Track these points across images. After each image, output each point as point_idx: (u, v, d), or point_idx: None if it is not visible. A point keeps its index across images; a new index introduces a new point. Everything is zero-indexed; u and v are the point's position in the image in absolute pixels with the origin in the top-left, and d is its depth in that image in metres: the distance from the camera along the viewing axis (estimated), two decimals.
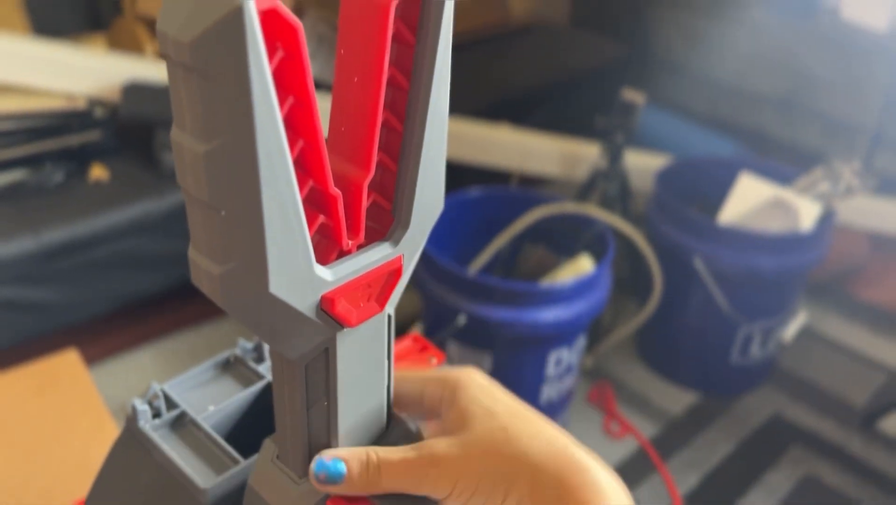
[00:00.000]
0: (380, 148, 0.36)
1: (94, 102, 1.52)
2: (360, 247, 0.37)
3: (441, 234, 1.47)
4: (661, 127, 2.18)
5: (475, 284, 1.28)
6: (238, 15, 0.27)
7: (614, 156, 1.65)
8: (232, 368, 0.58)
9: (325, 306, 0.35)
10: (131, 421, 0.52)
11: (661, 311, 1.58)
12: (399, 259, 0.38)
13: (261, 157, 0.29)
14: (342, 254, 0.36)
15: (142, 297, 1.52)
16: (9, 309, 1.34)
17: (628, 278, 1.76)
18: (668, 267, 1.52)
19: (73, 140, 1.48)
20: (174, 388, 0.55)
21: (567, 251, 1.50)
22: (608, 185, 1.66)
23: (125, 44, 1.72)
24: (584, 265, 1.37)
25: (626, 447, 1.52)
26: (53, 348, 1.33)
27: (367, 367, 0.40)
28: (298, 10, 1.71)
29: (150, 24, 1.74)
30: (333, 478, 0.38)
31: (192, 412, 0.53)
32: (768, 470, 1.49)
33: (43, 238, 1.32)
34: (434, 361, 0.89)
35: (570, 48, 2.31)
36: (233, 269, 0.31)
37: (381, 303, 0.38)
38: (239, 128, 0.29)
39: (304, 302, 0.34)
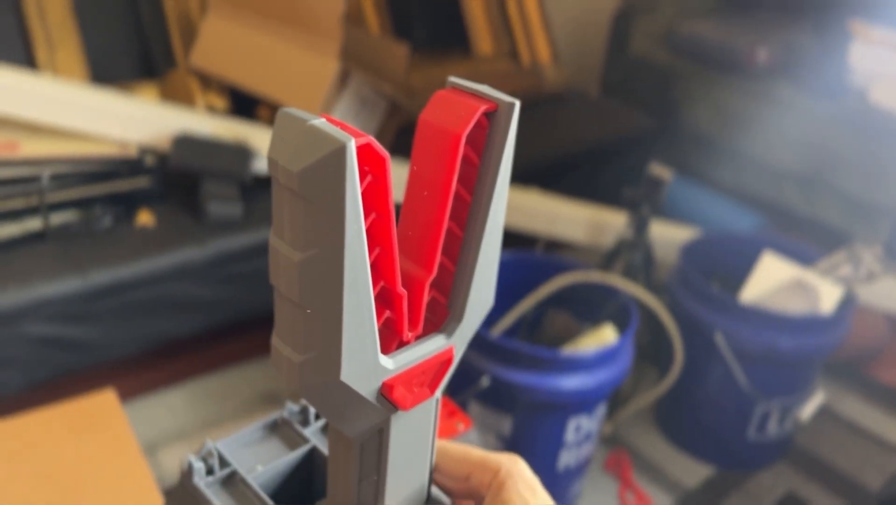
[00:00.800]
0: (441, 252, 0.41)
1: (144, 150, 1.60)
2: (417, 338, 0.41)
3: None
4: (687, 198, 2.23)
5: (499, 347, 1.31)
6: (342, 152, 0.32)
7: (640, 227, 1.69)
8: (279, 429, 0.63)
9: (385, 392, 0.39)
10: (186, 477, 0.56)
11: (681, 382, 1.60)
12: (451, 350, 0.42)
13: (346, 266, 0.34)
14: (401, 344, 0.40)
15: (177, 338, 1.57)
16: (49, 345, 1.39)
17: (649, 347, 1.79)
18: (688, 339, 1.55)
19: (123, 186, 1.55)
20: (226, 446, 0.60)
21: (590, 318, 1.54)
22: (633, 254, 1.70)
23: (177, 95, 1.80)
24: (607, 335, 1.40)
25: None
26: (87, 383, 1.37)
27: (414, 446, 0.44)
28: (345, 75, 1.78)
29: (202, 78, 1.83)
30: None
31: (242, 471, 0.57)
32: None
33: (89, 279, 1.38)
34: (461, 426, 0.93)
35: (601, 118, 2.38)
36: (311, 358, 0.36)
37: (433, 388, 0.42)
38: (331, 241, 0.34)
39: (367, 388, 0.38)
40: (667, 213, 1.95)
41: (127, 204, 1.56)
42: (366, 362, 0.37)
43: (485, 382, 1.32)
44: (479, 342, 1.33)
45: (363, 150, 0.33)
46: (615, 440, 1.71)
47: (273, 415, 0.64)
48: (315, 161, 0.32)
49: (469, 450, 0.46)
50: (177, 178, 1.62)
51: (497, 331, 1.55)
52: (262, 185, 1.65)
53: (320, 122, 0.33)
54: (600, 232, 1.90)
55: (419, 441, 0.44)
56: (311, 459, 0.61)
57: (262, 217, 1.61)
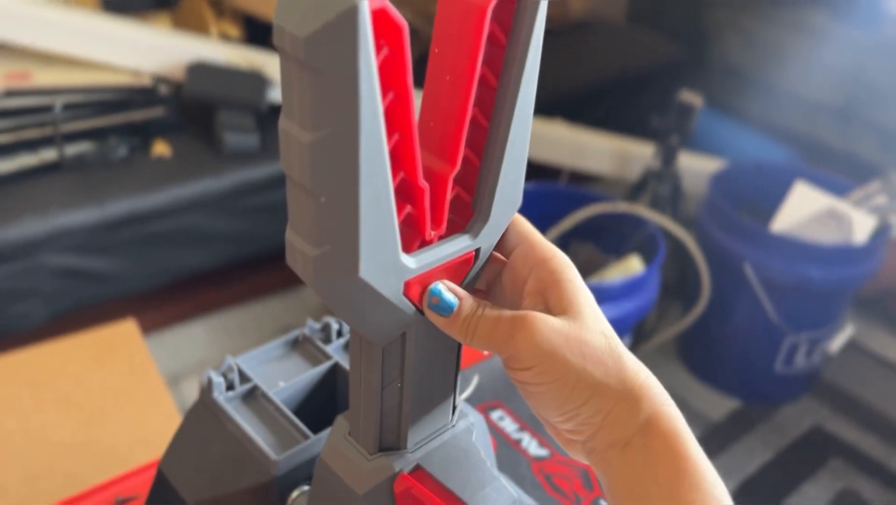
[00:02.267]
0: (465, 143, 0.37)
1: (158, 80, 1.56)
2: (441, 238, 0.38)
3: None
4: (715, 131, 2.16)
5: None
6: (352, 14, 0.28)
7: (668, 157, 1.65)
8: (300, 346, 0.61)
9: (406, 292, 0.37)
10: (206, 392, 0.55)
11: (707, 316, 1.57)
12: (473, 251, 0.39)
13: (362, 149, 0.31)
14: (424, 243, 0.38)
15: (197, 271, 1.56)
16: (70, 277, 1.39)
17: (674, 282, 1.76)
18: (716, 272, 1.51)
19: (138, 116, 1.52)
20: (246, 362, 0.58)
21: (615, 251, 1.50)
22: (660, 186, 1.65)
23: (191, 23, 1.75)
24: (633, 265, 1.37)
25: None
26: (109, 317, 1.37)
27: (438, 353, 0.42)
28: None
29: (216, 5, 1.78)
30: (443, 307, 0.38)
31: (263, 386, 0.55)
32: (806, 481, 1.48)
33: (107, 209, 1.36)
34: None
35: (627, 46, 2.30)
36: (327, 252, 0.33)
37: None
38: (345, 121, 0.30)
39: (388, 287, 0.35)
40: (695, 148, 1.89)
41: (142, 134, 1.53)
42: (386, 259, 0.34)
43: None
44: None
45: (378, 17, 0.30)
46: None
47: (294, 332, 0.62)
48: (323, 24, 0.28)
49: (528, 225, 0.42)
50: (192, 107, 1.58)
51: None
52: (277, 114, 1.62)
53: None
54: (626, 163, 1.85)
55: (443, 346, 0.42)
56: (334, 376, 0.59)
57: (279, 148, 1.58)
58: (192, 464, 0.53)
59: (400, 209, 0.35)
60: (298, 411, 0.56)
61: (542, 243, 0.40)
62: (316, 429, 0.52)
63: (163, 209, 1.42)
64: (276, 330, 1.68)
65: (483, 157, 0.38)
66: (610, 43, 2.30)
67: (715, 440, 1.56)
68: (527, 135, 0.38)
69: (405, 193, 0.36)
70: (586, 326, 0.37)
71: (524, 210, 1.54)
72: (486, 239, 0.40)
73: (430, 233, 0.37)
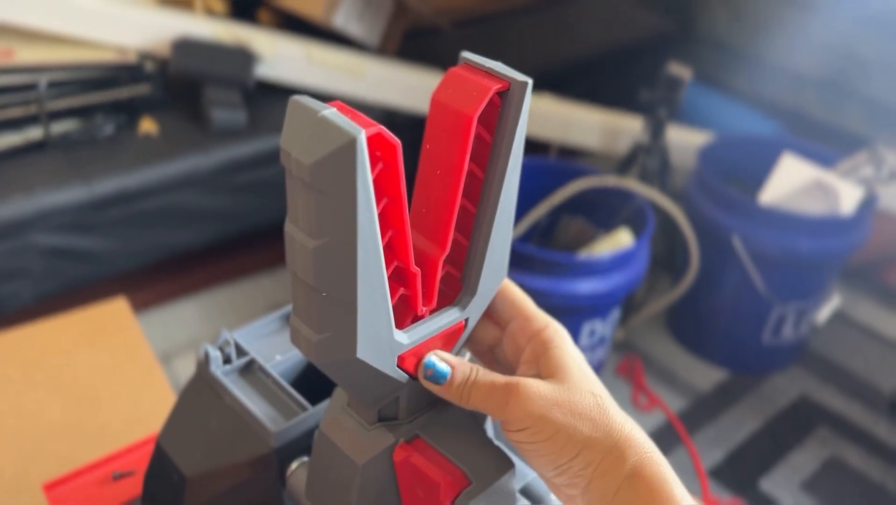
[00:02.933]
0: (455, 228, 0.41)
1: (144, 56, 1.54)
2: (432, 311, 0.42)
3: None
4: (703, 105, 2.16)
5: (513, 253, 1.29)
6: (352, 146, 0.32)
7: (656, 130, 1.65)
8: None
9: (401, 364, 0.41)
10: (203, 366, 0.55)
11: (695, 288, 1.59)
12: (462, 323, 0.43)
13: (360, 252, 0.35)
14: (416, 318, 0.42)
15: (186, 249, 1.55)
16: (58, 256, 1.38)
17: (663, 255, 1.77)
18: (704, 244, 1.52)
19: (123, 93, 1.51)
20: (243, 336, 0.58)
21: (605, 225, 1.51)
22: (648, 159, 1.65)
23: None
24: (622, 239, 1.37)
25: (653, 420, 1.54)
26: (98, 297, 1.36)
27: None
28: None
29: None
30: (437, 377, 0.42)
31: (260, 360, 0.55)
32: (794, 450, 1.51)
33: (94, 188, 1.35)
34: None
35: (614, 19, 2.29)
36: (327, 337, 0.37)
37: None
38: (344, 230, 0.34)
39: (383, 363, 0.39)
40: (682, 121, 1.89)
41: (128, 112, 1.52)
42: (380, 339, 0.38)
43: None
44: None
45: (374, 140, 0.34)
46: (627, 346, 1.71)
47: (289, 306, 0.62)
48: (326, 154, 0.32)
49: (523, 297, 0.46)
50: (178, 84, 1.57)
51: None
52: (264, 91, 1.60)
53: (331, 112, 0.33)
54: (615, 137, 1.85)
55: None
56: None
57: (267, 125, 1.56)
58: (191, 438, 0.54)
59: (394, 291, 0.39)
60: (295, 384, 0.56)
61: (536, 316, 0.45)
62: (314, 401, 0.53)
63: (150, 187, 1.41)
64: (267, 307, 1.68)
65: (471, 239, 0.42)
66: (598, 16, 2.29)
67: (703, 410, 1.58)
68: (511, 216, 0.42)
69: (399, 277, 0.40)
70: (574, 387, 0.41)
71: None
72: (475, 309, 0.43)
73: (422, 309, 0.41)
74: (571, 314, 1.34)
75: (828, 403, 1.62)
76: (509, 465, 0.43)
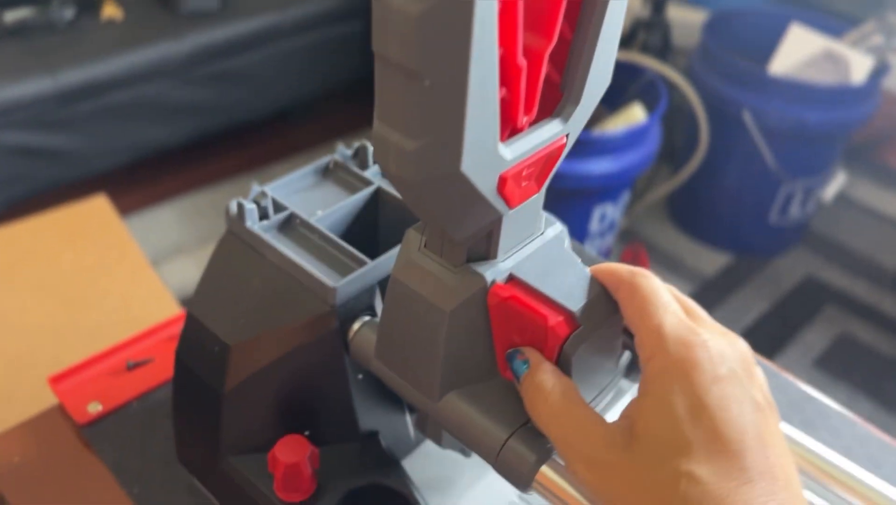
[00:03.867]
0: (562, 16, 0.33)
1: None
2: (530, 124, 0.34)
3: None
4: None
5: None
6: None
7: (658, 5, 1.55)
8: (333, 173, 0.53)
9: (501, 187, 0.33)
10: (236, 222, 0.47)
11: (698, 171, 1.53)
12: (563, 137, 0.35)
13: (476, 19, 0.27)
14: (514, 131, 0.33)
15: (162, 149, 1.44)
16: (26, 156, 1.26)
17: (663, 143, 1.70)
18: (711, 123, 1.45)
19: None
20: (276, 191, 0.50)
21: (611, 103, 1.43)
22: (650, 35, 1.56)
23: None
24: (636, 114, 1.30)
25: None
26: (73, 201, 1.26)
27: None
28: None
29: None
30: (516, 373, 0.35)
31: (302, 214, 0.48)
32: (803, 329, 1.49)
33: (59, 79, 1.23)
34: None
35: None
36: (427, 144, 0.29)
37: (540, 183, 0.36)
38: None
39: (484, 182, 0.32)
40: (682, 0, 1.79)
41: None
42: (486, 150, 0.31)
43: None
44: None
45: None
46: (631, 235, 1.66)
47: (323, 159, 0.54)
48: None
49: (642, 304, 0.34)
50: None
51: None
52: None
53: None
54: None
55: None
56: (376, 202, 0.52)
57: (242, 7, 1.43)
58: (230, 304, 0.46)
59: None
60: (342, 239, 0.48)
61: (647, 339, 0.32)
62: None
63: (119, 78, 1.29)
64: None
65: (576, 31, 0.34)
66: None
67: (711, 294, 1.55)
68: (624, 5, 0.34)
69: (501, 73, 0.31)
70: (642, 459, 0.30)
71: None
72: (576, 124, 0.35)
73: (523, 119, 0.33)
74: (583, 197, 1.28)
75: (834, 282, 1.59)
76: (616, 307, 0.37)
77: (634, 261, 1.59)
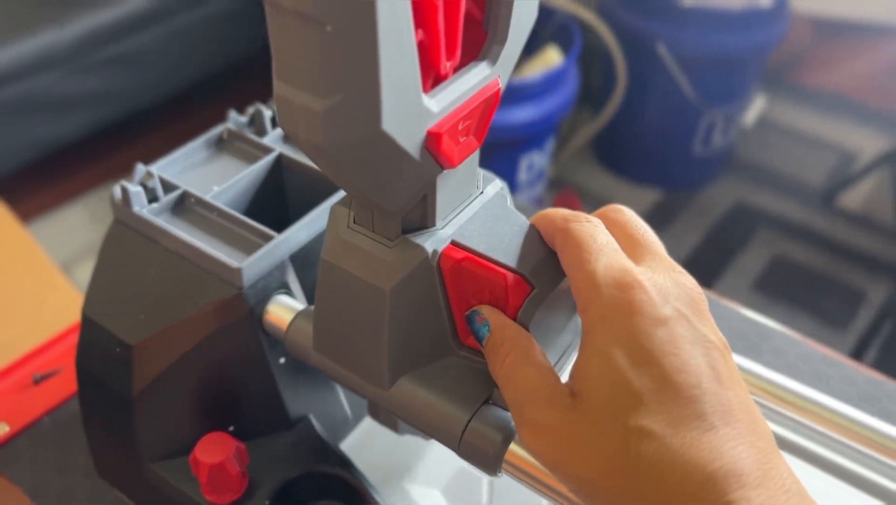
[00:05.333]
0: None
1: None
2: (455, 69, 0.30)
3: None
4: None
5: None
6: None
7: None
8: (228, 144, 0.48)
9: (430, 144, 0.29)
10: (122, 208, 0.42)
11: (620, 110, 1.52)
12: (497, 81, 0.31)
13: None
14: (438, 79, 0.29)
15: (61, 146, 1.36)
16: None
17: (581, 84, 1.68)
18: (627, 60, 1.44)
19: None
20: (164, 169, 0.45)
21: (525, 49, 1.40)
22: None
23: None
24: (551, 57, 1.27)
25: None
26: None
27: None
28: None
29: None
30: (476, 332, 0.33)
31: (196, 191, 0.43)
32: (738, 254, 1.50)
33: None
34: None
35: None
36: (339, 102, 0.25)
37: (479, 136, 0.32)
38: None
39: (411, 139, 0.28)
40: None
41: None
42: (408, 103, 0.27)
43: None
44: None
45: None
46: (560, 182, 1.64)
47: (215, 129, 0.49)
48: None
49: (575, 252, 0.31)
50: None
51: None
52: None
53: None
54: None
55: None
56: (280, 170, 0.47)
57: None
58: (127, 299, 0.42)
59: None
60: (245, 214, 0.44)
61: (580, 288, 0.29)
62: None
63: (2, 74, 1.20)
64: None
65: None
66: None
67: None
68: None
69: (415, 12, 0.27)
70: (589, 416, 0.28)
71: None
72: (506, 65, 0.32)
73: (445, 64, 0.29)
74: (509, 148, 1.25)
75: (763, 205, 1.62)
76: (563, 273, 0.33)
77: (567, 205, 1.58)
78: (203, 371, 0.41)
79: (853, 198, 1.62)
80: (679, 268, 0.31)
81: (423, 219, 0.33)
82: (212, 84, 1.61)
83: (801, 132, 1.80)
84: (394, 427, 0.43)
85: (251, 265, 0.39)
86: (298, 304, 0.40)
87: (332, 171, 0.28)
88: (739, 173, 1.69)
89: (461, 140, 0.30)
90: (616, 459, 0.26)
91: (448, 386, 0.34)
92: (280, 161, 0.47)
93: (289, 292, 0.41)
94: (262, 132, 0.49)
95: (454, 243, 0.33)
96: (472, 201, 0.35)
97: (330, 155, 0.27)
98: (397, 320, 0.32)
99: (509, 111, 1.18)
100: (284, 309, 0.39)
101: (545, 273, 0.32)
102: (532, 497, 0.45)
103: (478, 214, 0.34)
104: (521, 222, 0.34)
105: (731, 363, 0.28)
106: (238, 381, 0.42)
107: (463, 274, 0.32)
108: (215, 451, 0.39)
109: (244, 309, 0.39)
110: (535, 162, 1.31)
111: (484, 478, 0.47)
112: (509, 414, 0.32)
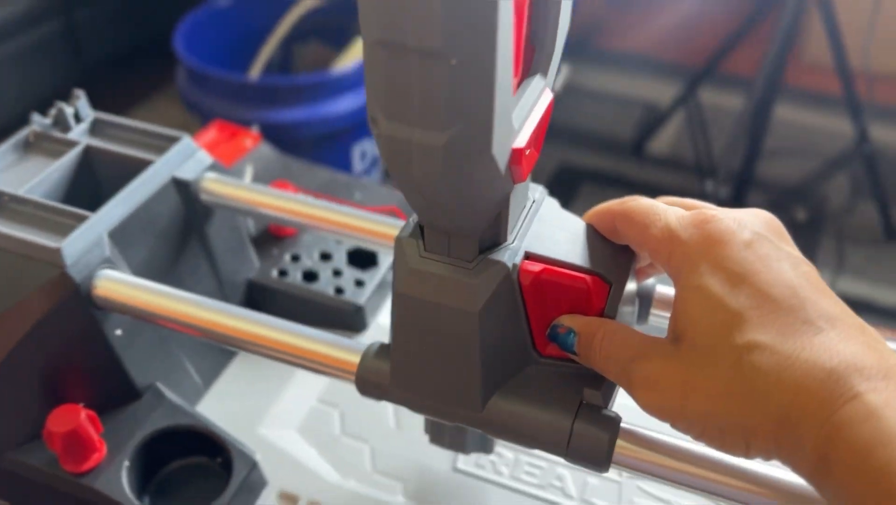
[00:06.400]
0: None
1: None
2: (517, 87, 0.31)
3: (201, 54, 1.35)
4: None
5: (259, 89, 1.20)
6: None
7: None
8: (35, 145, 0.50)
9: (513, 161, 0.29)
10: None
11: None
12: (549, 92, 0.32)
13: None
14: None
15: None
16: None
17: None
18: None
19: None
20: None
21: (337, 44, 1.44)
22: None
23: None
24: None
25: None
26: None
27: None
28: None
29: None
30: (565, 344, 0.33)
31: (8, 190, 0.45)
32: (569, 209, 1.62)
33: None
34: (249, 141, 0.83)
35: None
36: (456, 134, 0.26)
37: (538, 147, 0.32)
38: None
39: (504, 158, 0.28)
40: None
41: None
42: (505, 124, 0.27)
43: (254, 130, 1.21)
44: (236, 92, 1.20)
45: None
46: None
47: (21, 132, 0.50)
48: None
49: (637, 219, 0.33)
50: None
51: None
52: None
53: None
54: None
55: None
56: (89, 161, 0.50)
57: None
58: None
59: None
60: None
61: (653, 242, 0.31)
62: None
63: None
64: None
65: None
66: None
67: None
68: None
69: None
70: (698, 355, 0.28)
71: (232, 29, 1.38)
72: (552, 76, 0.33)
73: (514, 82, 0.29)
74: (337, 139, 1.29)
75: (584, 163, 1.75)
76: (632, 254, 0.35)
77: None
78: (43, 352, 0.42)
79: (659, 144, 1.78)
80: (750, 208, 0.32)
81: (496, 236, 0.33)
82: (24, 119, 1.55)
83: (607, 93, 1.96)
84: (462, 448, 0.43)
85: (70, 244, 0.41)
86: (126, 275, 0.43)
87: (430, 203, 0.29)
88: (558, 138, 1.82)
89: (526, 153, 0.30)
90: (733, 379, 0.26)
91: (540, 396, 0.34)
92: (88, 152, 0.49)
93: (113, 266, 0.43)
94: (66, 129, 0.50)
95: (528, 255, 0.33)
96: (529, 211, 0.35)
97: (439, 188, 0.27)
98: (487, 340, 0.32)
99: (331, 104, 1.23)
100: (112, 282, 0.42)
101: (616, 267, 0.33)
102: (378, 423, 0.50)
103: (539, 222, 0.35)
104: (578, 222, 0.36)
105: (820, 278, 0.28)
106: (79, 357, 0.44)
107: (543, 285, 0.33)
108: (66, 419, 0.41)
109: (71, 287, 0.41)
110: (368, 150, 1.37)
111: (335, 412, 0.51)
112: (609, 412, 0.33)
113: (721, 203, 0.37)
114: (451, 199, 0.28)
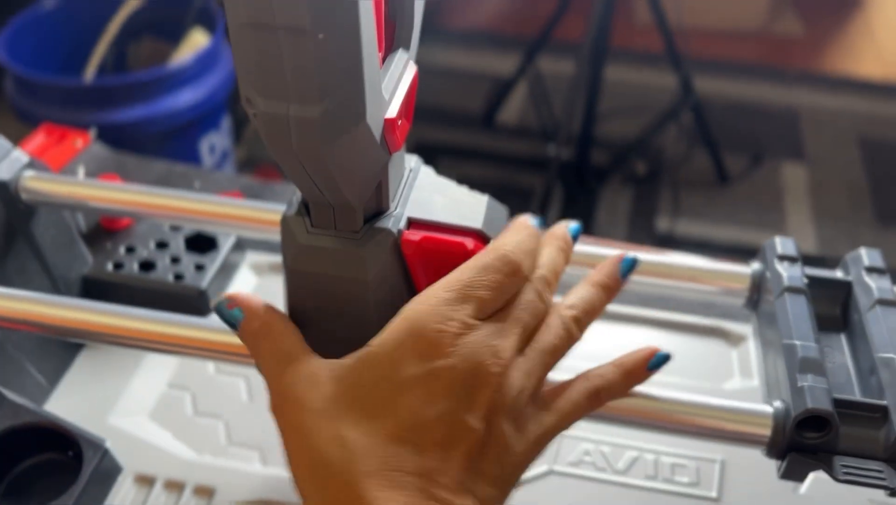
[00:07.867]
0: None
1: None
2: (382, 61, 0.32)
3: (28, 60, 1.29)
4: None
5: (94, 90, 1.16)
6: None
7: None
8: None
9: (387, 131, 0.30)
10: None
11: None
12: (414, 65, 0.34)
13: None
14: None
15: None
16: None
17: None
18: None
19: None
20: None
21: (172, 37, 1.41)
22: None
23: None
24: (198, 40, 1.31)
25: None
26: None
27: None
28: None
29: None
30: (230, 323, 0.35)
31: None
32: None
33: None
34: (79, 142, 0.81)
35: None
36: (330, 105, 0.27)
37: (409, 118, 0.33)
38: None
39: (378, 128, 0.30)
40: None
41: None
42: (375, 94, 0.29)
43: (93, 134, 1.18)
44: (69, 96, 1.16)
45: None
46: (254, 161, 1.69)
47: None
48: None
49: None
50: None
51: None
52: None
53: None
54: None
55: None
56: None
57: None
58: None
59: None
60: None
61: None
62: None
63: None
64: None
65: None
66: None
67: None
68: None
69: None
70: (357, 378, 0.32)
71: (60, 34, 1.33)
72: (414, 49, 0.34)
73: (380, 55, 0.31)
74: (184, 134, 1.27)
75: (438, 139, 1.80)
76: (503, 208, 0.38)
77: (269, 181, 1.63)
78: None
79: (507, 114, 1.86)
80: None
81: (379, 205, 0.34)
82: None
83: (454, 69, 2.01)
84: None
85: None
86: None
87: (311, 175, 0.30)
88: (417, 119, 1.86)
89: (399, 123, 0.32)
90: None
91: None
92: None
93: None
94: None
95: (411, 220, 0.35)
96: (408, 180, 0.37)
97: (319, 159, 0.29)
98: (380, 305, 0.34)
99: (170, 97, 1.21)
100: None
101: (492, 222, 0.36)
102: (230, 399, 0.51)
103: (418, 189, 0.36)
104: (451, 184, 0.38)
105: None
106: None
107: (424, 254, 0.34)
108: None
109: None
110: (216, 143, 1.35)
111: (186, 394, 0.52)
112: None
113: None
114: (331, 171, 0.30)
